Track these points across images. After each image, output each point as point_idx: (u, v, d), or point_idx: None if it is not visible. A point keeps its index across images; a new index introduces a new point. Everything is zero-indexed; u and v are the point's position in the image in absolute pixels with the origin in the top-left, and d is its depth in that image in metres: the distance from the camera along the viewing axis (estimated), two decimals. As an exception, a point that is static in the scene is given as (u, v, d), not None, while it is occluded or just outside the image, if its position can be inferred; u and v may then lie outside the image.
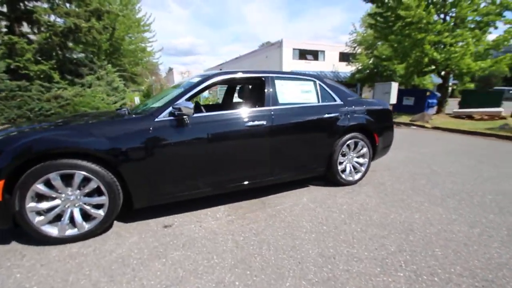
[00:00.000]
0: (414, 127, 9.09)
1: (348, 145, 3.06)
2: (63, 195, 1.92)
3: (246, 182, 2.57)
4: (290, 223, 2.31)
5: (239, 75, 2.63)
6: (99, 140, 1.94)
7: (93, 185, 1.95)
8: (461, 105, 13.50)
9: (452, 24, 10.02)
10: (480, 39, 9.87)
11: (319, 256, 1.84)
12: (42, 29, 8.68)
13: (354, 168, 3.22)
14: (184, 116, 2.19)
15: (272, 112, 2.58)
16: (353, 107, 3.07)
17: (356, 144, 3.12)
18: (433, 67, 11.48)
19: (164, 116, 2.18)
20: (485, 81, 31.46)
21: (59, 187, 1.88)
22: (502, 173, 3.72)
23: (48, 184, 1.84)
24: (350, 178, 3.19)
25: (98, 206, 2.03)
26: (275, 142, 2.59)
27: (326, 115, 2.85)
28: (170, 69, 45.17)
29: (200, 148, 2.29)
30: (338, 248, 1.93)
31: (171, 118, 2.19)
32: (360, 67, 19.82)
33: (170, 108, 2.20)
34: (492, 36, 10.77)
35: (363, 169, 3.26)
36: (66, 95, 8.16)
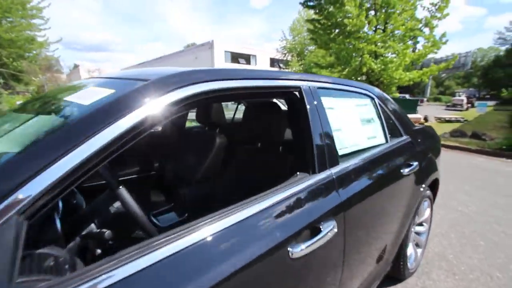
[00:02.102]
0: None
1: (417, 213, 1.73)
2: None
3: None
4: None
5: (247, 83, 0.91)
6: None
7: None
8: (386, 111, 14.72)
9: (386, 35, 10.42)
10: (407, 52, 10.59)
11: None
12: None
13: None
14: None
15: (340, 190, 0.98)
16: (421, 144, 1.75)
17: (421, 206, 1.82)
18: (365, 77, 11.94)
19: None
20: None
21: None
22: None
23: None
24: (414, 264, 1.87)
25: None
26: (347, 258, 1.00)
27: (407, 170, 1.42)
28: (76, 66, 37.20)
29: None
30: None
31: None
32: (292, 73, 20.09)
33: None
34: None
35: (423, 240, 1.99)
36: None
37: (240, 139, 1.54)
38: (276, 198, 0.80)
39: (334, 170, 1.01)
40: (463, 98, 25.99)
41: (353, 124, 1.30)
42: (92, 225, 0.82)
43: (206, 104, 1.68)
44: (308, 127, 1.01)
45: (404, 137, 1.64)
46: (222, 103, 2.16)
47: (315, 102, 1.08)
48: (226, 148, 1.75)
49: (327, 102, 1.16)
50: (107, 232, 0.76)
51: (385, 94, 1.68)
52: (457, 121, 13.67)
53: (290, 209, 0.81)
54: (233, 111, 3.27)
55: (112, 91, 0.68)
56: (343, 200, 0.96)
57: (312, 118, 1.03)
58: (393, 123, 1.61)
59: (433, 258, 2.11)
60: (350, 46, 10.10)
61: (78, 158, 0.53)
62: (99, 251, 0.85)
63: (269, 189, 0.85)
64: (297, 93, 1.06)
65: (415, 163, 1.49)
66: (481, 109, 17.00)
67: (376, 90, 1.60)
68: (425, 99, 36.61)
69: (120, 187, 0.75)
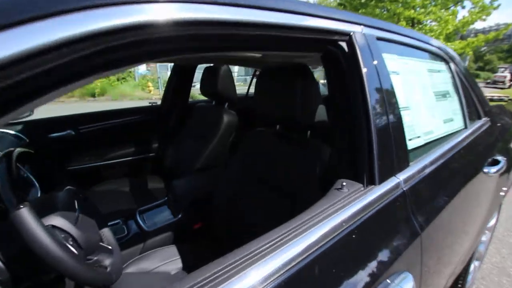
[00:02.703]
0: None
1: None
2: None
3: None
4: None
5: (254, 16, 0.41)
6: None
7: None
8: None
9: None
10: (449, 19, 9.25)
11: None
12: None
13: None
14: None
15: (415, 213, 0.58)
16: (502, 130, 1.27)
17: (491, 211, 1.38)
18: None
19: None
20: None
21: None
22: None
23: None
24: (470, 282, 1.48)
25: None
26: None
27: (493, 169, 0.97)
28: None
29: None
30: None
31: None
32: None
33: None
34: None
35: (483, 251, 1.58)
36: None
37: (253, 118, 1.15)
38: (310, 239, 0.42)
39: (403, 176, 0.61)
40: (507, 74, 23.30)
41: (425, 100, 0.85)
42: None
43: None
44: (363, 104, 0.59)
45: (483, 119, 1.16)
46: (233, 74, 1.74)
47: (375, 62, 0.64)
48: (237, 130, 1.37)
49: (390, 63, 0.72)
50: None
51: (459, 58, 1.18)
52: (500, 99, 12.25)
53: (334, 258, 0.43)
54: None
55: None
56: (420, 229, 0.57)
57: (370, 89, 0.60)
58: (471, 99, 1.13)
59: (490, 272, 1.70)
60: (385, 12, 8.94)
61: None
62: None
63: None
64: (344, 44, 0.61)
65: (502, 159, 1.03)
66: (527, 87, 15.13)
67: (450, 50, 1.10)
68: (461, 75, 33.44)
69: (21, 206, 0.41)
